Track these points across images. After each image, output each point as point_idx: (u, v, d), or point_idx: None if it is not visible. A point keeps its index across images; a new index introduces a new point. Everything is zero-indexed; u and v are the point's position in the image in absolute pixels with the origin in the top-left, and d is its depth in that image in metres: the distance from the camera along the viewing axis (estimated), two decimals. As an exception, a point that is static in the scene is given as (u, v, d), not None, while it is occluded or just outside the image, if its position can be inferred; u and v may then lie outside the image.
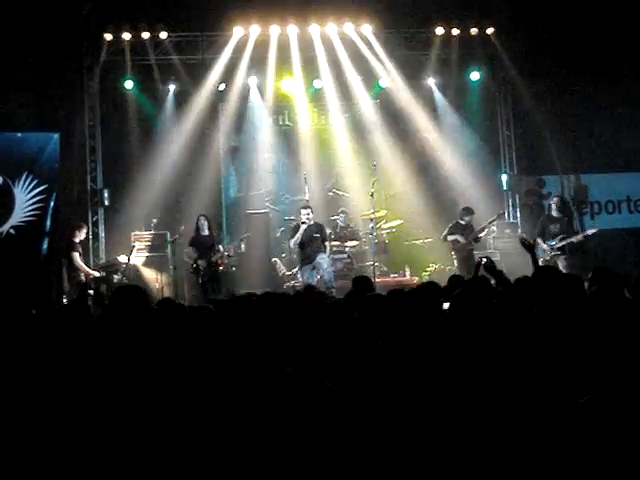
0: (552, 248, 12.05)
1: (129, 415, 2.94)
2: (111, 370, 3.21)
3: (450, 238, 12.42)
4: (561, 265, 11.83)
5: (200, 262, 12.16)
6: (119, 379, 3.11)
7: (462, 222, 12.49)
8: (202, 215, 12.55)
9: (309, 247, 12.08)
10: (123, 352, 3.33)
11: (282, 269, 13.70)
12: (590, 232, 12.59)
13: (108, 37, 13.64)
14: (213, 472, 2.83)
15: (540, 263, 11.16)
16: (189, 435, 2.91)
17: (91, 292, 11.11)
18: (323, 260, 12.01)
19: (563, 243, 12.04)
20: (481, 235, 12.49)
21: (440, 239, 12.76)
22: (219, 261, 12.31)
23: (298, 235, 12.04)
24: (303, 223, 12.03)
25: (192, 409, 2.99)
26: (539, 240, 12.10)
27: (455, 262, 12.60)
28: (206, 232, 12.32)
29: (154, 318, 3.54)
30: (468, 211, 12.54)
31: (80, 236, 12.45)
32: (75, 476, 2.80)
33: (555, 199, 12.70)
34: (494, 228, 14.09)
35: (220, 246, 12.45)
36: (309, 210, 12.14)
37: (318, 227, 12.24)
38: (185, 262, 13.06)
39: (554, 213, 12.48)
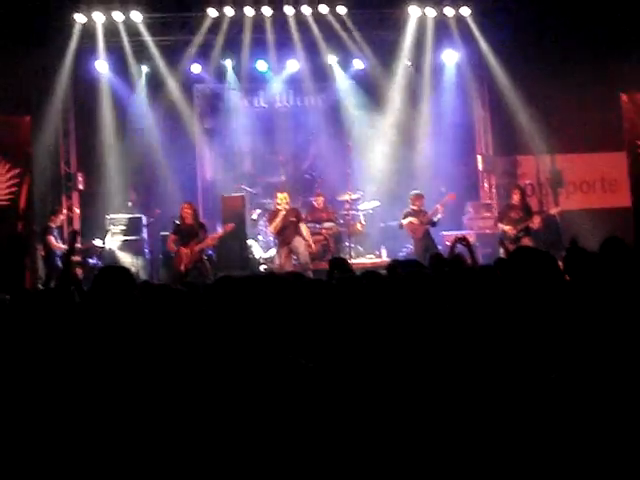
0: (516, 229, 12.17)
1: (120, 400, 2.94)
2: (97, 354, 3.20)
3: (405, 221, 12.54)
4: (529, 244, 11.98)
5: (183, 250, 11.82)
6: (105, 363, 3.10)
7: (414, 207, 12.60)
8: (186, 203, 12.33)
9: (286, 230, 12.15)
10: (109, 337, 3.32)
11: (258, 252, 13.68)
12: (552, 211, 12.85)
13: (80, 19, 13.47)
14: (197, 458, 2.83)
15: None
16: (176, 421, 2.90)
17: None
18: (299, 243, 12.07)
19: (522, 226, 12.18)
20: (435, 219, 12.57)
21: (397, 226, 12.85)
22: (202, 250, 12.06)
23: (278, 222, 12.11)
24: (282, 210, 12.14)
25: (180, 393, 2.99)
26: (501, 225, 12.31)
27: (412, 244, 12.71)
28: (190, 221, 12.10)
29: (139, 300, 3.53)
30: (418, 196, 12.66)
31: (56, 221, 12.38)
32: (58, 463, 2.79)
33: (516, 190, 12.82)
34: (470, 209, 14.19)
35: (205, 235, 12.09)
36: (286, 194, 12.25)
37: (295, 211, 12.33)
38: (162, 246, 13.01)
39: (514, 201, 12.59)
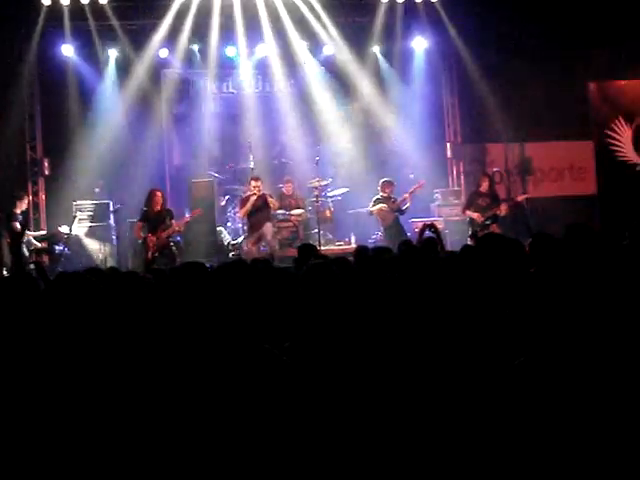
0: (484, 217, 12.29)
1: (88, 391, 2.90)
2: (62, 342, 3.16)
3: (375, 208, 12.59)
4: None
5: (151, 237, 11.71)
6: (70, 351, 3.06)
7: (384, 194, 12.66)
8: (156, 189, 12.20)
9: (255, 217, 12.19)
10: (74, 324, 3.28)
11: (227, 238, 13.64)
12: (519, 198, 13.00)
13: (46, 1, 13.26)
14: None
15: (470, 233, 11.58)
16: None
17: (32, 265, 11.03)
18: (267, 229, 12.09)
19: (491, 212, 12.31)
20: (404, 207, 12.65)
21: (367, 213, 12.88)
22: (169, 237, 11.97)
23: (248, 206, 12.22)
24: (253, 195, 12.18)
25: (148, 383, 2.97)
26: (468, 212, 12.43)
27: (381, 231, 12.77)
28: (159, 207, 11.95)
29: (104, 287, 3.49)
30: (388, 183, 12.71)
31: (21, 207, 12.21)
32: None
33: (485, 177, 12.92)
34: (439, 196, 14.25)
35: (173, 221, 12.00)
36: (260, 182, 12.37)
37: (264, 197, 12.38)
38: (129, 232, 12.92)
39: (482, 189, 12.70)
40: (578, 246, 4.18)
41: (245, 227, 12.70)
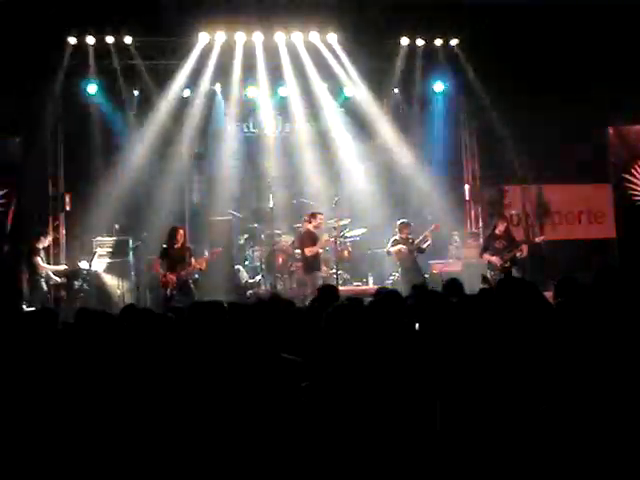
0: (502, 260, 12.16)
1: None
2: (80, 377, 3.19)
3: (394, 249, 12.51)
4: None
5: (169, 276, 11.72)
6: (88, 385, 3.09)
7: (402, 236, 12.59)
8: (177, 226, 12.25)
9: (318, 258, 12.32)
10: (92, 359, 3.31)
11: (244, 277, 13.67)
12: (537, 240, 12.86)
13: (72, 40, 13.50)
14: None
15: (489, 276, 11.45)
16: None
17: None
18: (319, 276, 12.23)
19: (510, 256, 12.18)
20: (424, 246, 12.59)
21: (385, 253, 12.85)
22: (189, 275, 11.97)
23: (319, 245, 12.31)
24: (316, 232, 12.29)
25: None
26: (486, 255, 12.30)
27: (399, 272, 12.70)
28: (179, 245, 11.99)
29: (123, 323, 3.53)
30: (406, 225, 12.68)
31: (44, 242, 12.36)
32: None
33: (502, 221, 12.83)
34: (457, 238, 14.24)
35: (192, 259, 12.02)
36: (322, 215, 12.42)
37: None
38: (148, 269, 12.97)
39: (498, 231, 12.58)
40: (608, 290, 4.17)
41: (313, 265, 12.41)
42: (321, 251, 12.51)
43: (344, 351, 3.48)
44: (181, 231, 11.99)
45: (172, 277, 11.61)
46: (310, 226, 12.34)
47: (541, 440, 2.69)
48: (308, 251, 12.13)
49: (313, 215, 12.45)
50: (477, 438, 3.03)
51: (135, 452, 2.96)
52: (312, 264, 12.24)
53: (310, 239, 12.26)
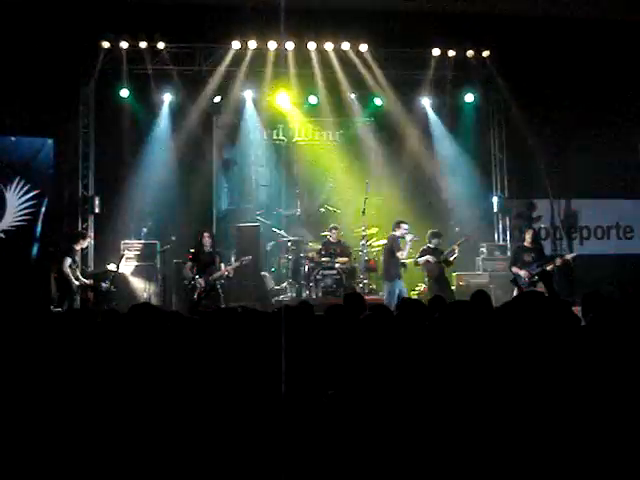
0: (531, 274, 12.04)
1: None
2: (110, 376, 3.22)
3: (421, 260, 12.42)
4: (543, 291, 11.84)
5: (199, 280, 11.80)
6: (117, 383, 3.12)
7: (431, 245, 12.51)
8: (205, 231, 12.31)
9: (403, 266, 12.24)
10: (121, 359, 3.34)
11: (271, 283, 13.69)
12: (568, 257, 12.65)
13: (105, 45, 13.65)
14: None
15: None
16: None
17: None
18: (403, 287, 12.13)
19: (538, 270, 12.04)
20: (451, 258, 12.48)
21: (413, 263, 12.76)
22: (218, 280, 12.01)
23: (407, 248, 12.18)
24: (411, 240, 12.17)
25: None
26: (515, 269, 12.18)
27: (427, 283, 12.63)
28: (209, 248, 12.08)
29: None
30: (436, 235, 12.60)
31: (82, 244, 12.46)
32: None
33: (530, 231, 12.70)
34: (484, 250, 14.19)
35: (222, 265, 12.10)
36: (407, 225, 12.31)
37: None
38: (175, 273, 13.05)
39: (526, 243, 12.46)
40: (632, 305, 4.14)
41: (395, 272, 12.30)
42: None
43: (370, 360, 3.49)
44: (206, 235, 12.06)
45: (201, 281, 11.67)
46: (397, 233, 12.32)
47: (562, 454, 2.68)
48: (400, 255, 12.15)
49: (397, 224, 12.44)
50: (498, 454, 3.02)
51: (148, 453, 2.98)
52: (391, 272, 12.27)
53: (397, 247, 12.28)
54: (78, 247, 12.28)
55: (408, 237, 12.23)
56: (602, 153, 14.29)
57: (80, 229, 13.64)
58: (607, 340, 3.29)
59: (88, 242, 12.72)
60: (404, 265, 12.41)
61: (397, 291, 11.97)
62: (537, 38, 13.94)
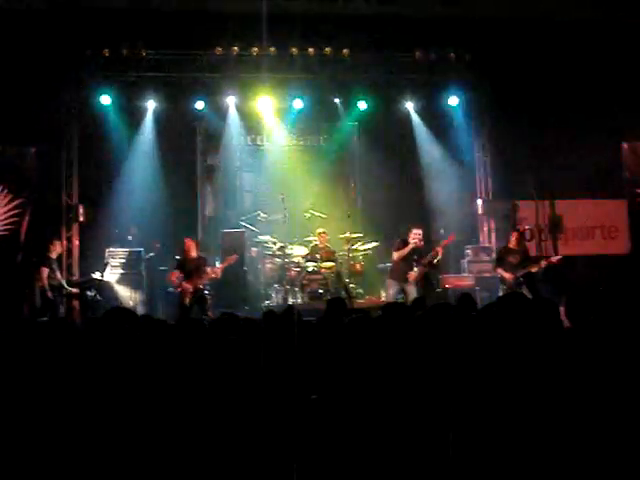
0: (516, 277, 12.03)
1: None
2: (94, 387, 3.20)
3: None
4: (527, 293, 11.83)
5: (185, 285, 11.74)
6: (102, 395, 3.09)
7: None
8: (188, 237, 12.27)
9: (405, 266, 12.06)
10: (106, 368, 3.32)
11: (257, 289, 13.68)
12: (553, 259, 12.67)
13: (88, 52, 13.59)
14: None
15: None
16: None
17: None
18: (413, 288, 11.96)
19: (524, 272, 12.04)
20: (435, 261, 12.43)
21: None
22: (205, 284, 11.96)
23: (405, 251, 11.96)
24: (414, 243, 11.94)
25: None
26: (500, 270, 12.16)
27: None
28: (193, 254, 12.04)
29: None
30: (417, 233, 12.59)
31: (57, 250, 12.30)
32: None
33: (514, 233, 12.72)
34: (469, 252, 14.23)
35: (208, 268, 12.02)
36: (421, 231, 12.09)
37: (418, 251, 12.11)
38: (160, 280, 13.00)
39: (511, 245, 12.47)
40: (617, 306, 4.14)
41: (391, 272, 12.32)
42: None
43: (354, 364, 3.49)
44: (188, 241, 11.98)
45: (188, 285, 11.60)
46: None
47: (551, 457, 2.67)
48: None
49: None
50: (486, 458, 3.02)
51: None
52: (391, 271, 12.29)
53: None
54: (54, 255, 12.13)
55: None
56: (586, 154, 14.34)
57: (64, 237, 13.57)
58: (590, 341, 3.29)
59: (60, 249, 12.50)
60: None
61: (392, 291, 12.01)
62: (518, 40, 13.97)
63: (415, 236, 11.94)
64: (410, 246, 11.91)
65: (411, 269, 12.01)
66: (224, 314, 5.42)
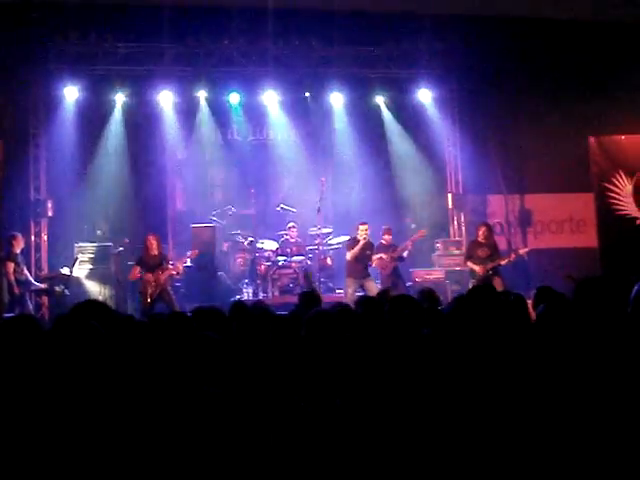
0: (485, 269, 12.15)
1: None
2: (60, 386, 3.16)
3: (375, 257, 12.51)
4: (497, 286, 11.94)
5: (148, 279, 11.61)
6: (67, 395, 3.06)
7: (383, 242, 12.63)
8: (151, 234, 12.15)
9: (361, 263, 12.22)
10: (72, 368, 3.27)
11: (227, 284, 13.64)
12: (521, 252, 12.84)
13: (54, 44, 13.44)
14: None
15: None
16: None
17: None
18: (372, 284, 12.15)
19: (493, 265, 12.18)
20: (404, 254, 12.59)
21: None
22: (167, 279, 11.91)
23: (357, 249, 12.19)
24: (363, 238, 12.22)
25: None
26: (469, 263, 12.32)
27: (380, 280, 12.68)
28: (155, 252, 11.97)
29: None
30: (387, 231, 12.71)
31: (20, 245, 12.11)
32: None
33: (482, 227, 12.82)
34: (440, 246, 14.29)
35: (170, 264, 12.00)
36: (367, 226, 12.31)
37: (370, 245, 12.37)
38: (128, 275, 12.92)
39: (480, 239, 12.59)
40: (587, 302, 4.17)
41: (349, 271, 12.47)
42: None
43: (323, 357, 3.48)
44: (152, 238, 11.92)
45: (149, 278, 11.55)
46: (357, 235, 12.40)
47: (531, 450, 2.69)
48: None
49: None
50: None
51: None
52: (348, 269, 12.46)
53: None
54: (17, 249, 11.95)
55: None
56: (554, 148, 14.47)
57: (33, 232, 13.42)
58: (556, 333, 3.31)
59: (22, 243, 12.29)
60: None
61: (350, 290, 12.18)
62: (490, 35, 14.05)
63: (363, 232, 12.16)
64: (361, 243, 12.17)
65: (367, 264, 12.19)
66: (196, 308, 5.40)
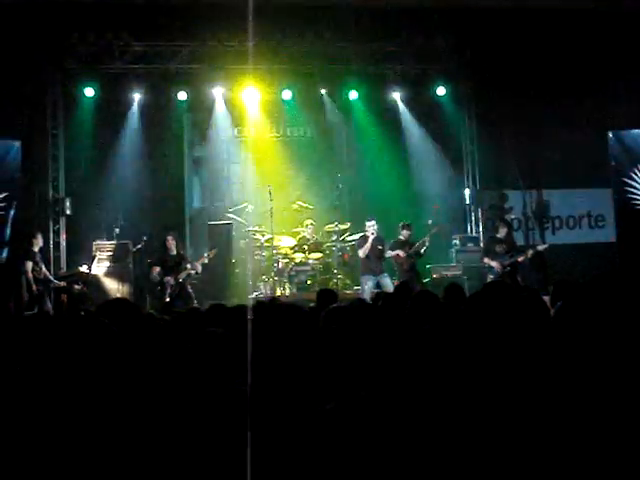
0: (503, 265, 12.13)
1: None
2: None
3: (391, 254, 12.52)
4: (514, 282, 11.92)
5: (167, 279, 11.82)
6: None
7: (402, 238, 12.62)
8: (170, 234, 12.28)
9: (375, 258, 12.27)
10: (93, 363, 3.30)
11: (245, 281, 13.65)
12: (540, 248, 12.77)
13: (72, 44, 13.50)
14: None
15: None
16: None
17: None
18: (388, 280, 12.16)
19: (511, 261, 12.15)
20: (422, 250, 12.58)
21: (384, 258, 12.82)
22: (185, 278, 11.98)
23: (367, 246, 12.23)
24: (372, 234, 12.26)
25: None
26: (487, 259, 12.30)
27: (398, 275, 12.67)
28: (174, 252, 12.02)
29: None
30: (406, 227, 12.68)
31: (38, 243, 12.19)
32: None
33: (501, 223, 12.81)
34: (457, 242, 14.24)
35: (188, 264, 12.11)
36: (374, 222, 12.33)
37: (380, 240, 12.40)
38: (148, 273, 12.96)
39: (498, 234, 12.57)
40: (604, 295, 4.14)
41: (363, 268, 12.59)
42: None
43: (339, 352, 3.48)
44: (170, 238, 12.04)
45: (169, 280, 11.65)
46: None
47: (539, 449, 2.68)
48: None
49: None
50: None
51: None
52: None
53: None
54: (36, 248, 12.04)
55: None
56: (572, 143, 14.38)
57: (52, 231, 13.51)
58: (574, 328, 3.30)
59: (41, 241, 12.36)
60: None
61: (367, 286, 12.21)
62: (506, 29, 14.00)
63: (371, 228, 12.16)
64: (370, 239, 12.14)
65: (381, 260, 12.18)
66: (213, 305, 5.42)
